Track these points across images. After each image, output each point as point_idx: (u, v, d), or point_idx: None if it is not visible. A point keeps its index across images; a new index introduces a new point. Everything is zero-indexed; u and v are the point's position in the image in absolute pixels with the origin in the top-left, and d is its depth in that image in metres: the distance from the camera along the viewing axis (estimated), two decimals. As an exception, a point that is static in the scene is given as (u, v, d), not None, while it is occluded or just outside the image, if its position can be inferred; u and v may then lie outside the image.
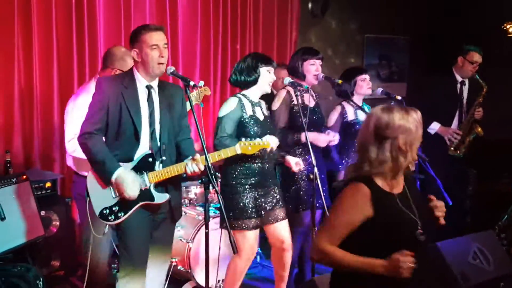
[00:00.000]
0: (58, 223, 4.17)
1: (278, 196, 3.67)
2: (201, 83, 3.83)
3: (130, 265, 3.08)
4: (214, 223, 3.88)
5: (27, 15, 4.43)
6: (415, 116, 2.35)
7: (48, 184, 4.22)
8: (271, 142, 3.32)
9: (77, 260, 4.31)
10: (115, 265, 4.19)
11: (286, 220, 3.71)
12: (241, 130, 3.52)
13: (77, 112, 3.51)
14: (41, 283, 3.56)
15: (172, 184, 3.16)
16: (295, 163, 3.72)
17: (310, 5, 6.58)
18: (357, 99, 4.34)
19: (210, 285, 3.00)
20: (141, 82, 3.07)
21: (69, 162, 3.79)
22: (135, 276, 3.09)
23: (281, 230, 3.69)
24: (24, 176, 3.75)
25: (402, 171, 2.37)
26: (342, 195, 2.33)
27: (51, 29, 4.55)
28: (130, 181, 2.96)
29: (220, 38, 5.66)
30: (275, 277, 3.86)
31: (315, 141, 3.90)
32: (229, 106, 3.53)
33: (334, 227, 2.32)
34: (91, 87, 3.59)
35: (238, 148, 3.15)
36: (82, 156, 3.42)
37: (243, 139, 3.17)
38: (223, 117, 3.51)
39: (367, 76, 4.32)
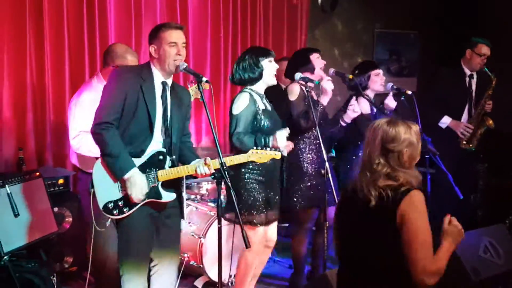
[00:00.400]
0: (71, 219, 4.21)
1: (278, 193, 3.70)
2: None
3: (131, 261, 3.03)
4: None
5: (38, 14, 4.47)
6: (415, 129, 2.39)
7: (60, 181, 4.25)
8: (281, 139, 3.39)
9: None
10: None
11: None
12: (255, 124, 3.53)
13: (80, 110, 3.51)
14: (54, 279, 3.60)
15: (177, 184, 3.16)
16: (285, 145, 3.66)
17: (320, 0, 6.57)
18: (370, 94, 4.23)
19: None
20: (157, 77, 3.06)
21: (74, 160, 3.80)
22: (137, 273, 3.05)
23: (273, 229, 3.74)
24: (37, 173, 3.77)
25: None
26: (416, 211, 2.25)
27: (63, 28, 4.59)
28: (138, 186, 2.92)
29: (230, 36, 5.67)
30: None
31: (324, 94, 3.84)
32: (243, 103, 3.52)
33: (429, 242, 2.26)
34: (94, 84, 3.62)
35: (250, 156, 3.18)
36: (87, 153, 3.44)
37: (254, 148, 3.18)
38: (237, 114, 3.50)
39: (380, 71, 4.24)
